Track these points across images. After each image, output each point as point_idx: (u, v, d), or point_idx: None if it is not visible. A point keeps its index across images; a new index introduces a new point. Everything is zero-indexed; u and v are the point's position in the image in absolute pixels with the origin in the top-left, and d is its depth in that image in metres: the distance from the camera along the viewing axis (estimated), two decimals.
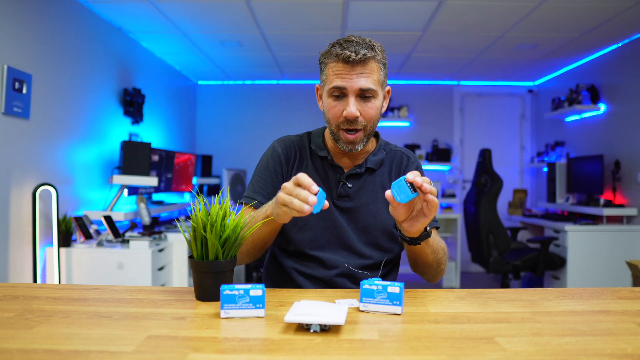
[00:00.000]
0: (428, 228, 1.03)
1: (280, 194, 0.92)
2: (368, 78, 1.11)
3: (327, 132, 1.27)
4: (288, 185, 0.91)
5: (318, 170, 1.24)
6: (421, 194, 0.91)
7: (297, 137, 1.30)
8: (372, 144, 1.27)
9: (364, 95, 1.12)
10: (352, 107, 1.10)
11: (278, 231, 1.12)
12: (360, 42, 1.11)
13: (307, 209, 0.87)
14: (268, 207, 1.06)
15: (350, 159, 1.24)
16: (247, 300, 0.80)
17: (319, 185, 1.20)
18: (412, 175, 0.90)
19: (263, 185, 1.23)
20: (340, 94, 1.12)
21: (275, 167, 1.24)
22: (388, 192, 0.92)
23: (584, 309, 0.87)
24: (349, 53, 1.08)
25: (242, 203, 1.22)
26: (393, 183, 0.92)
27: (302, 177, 0.90)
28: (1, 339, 0.69)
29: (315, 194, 0.88)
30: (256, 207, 1.18)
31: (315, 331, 0.73)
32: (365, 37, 1.14)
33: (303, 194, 0.88)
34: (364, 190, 1.22)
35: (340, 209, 1.21)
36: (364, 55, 1.09)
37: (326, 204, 0.91)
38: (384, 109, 1.19)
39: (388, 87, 1.21)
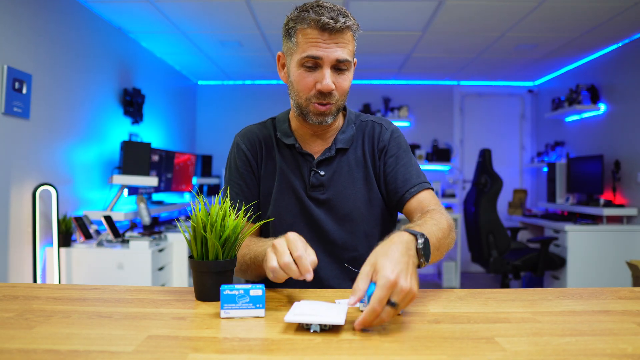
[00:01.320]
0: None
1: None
2: (344, 49, 1.02)
3: (292, 114, 1.17)
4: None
5: (287, 161, 1.15)
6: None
7: (260, 126, 1.21)
8: (339, 121, 1.18)
9: (338, 67, 1.03)
10: (328, 79, 1.01)
11: None
12: (334, 8, 1.01)
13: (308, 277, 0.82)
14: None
15: (319, 140, 1.16)
16: (247, 300, 0.80)
17: (290, 178, 1.14)
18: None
19: (238, 190, 1.16)
20: (314, 64, 1.02)
21: (246, 167, 1.17)
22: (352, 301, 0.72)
23: (584, 309, 0.87)
24: (327, 20, 0.98)
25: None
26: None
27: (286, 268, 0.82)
28: (1, 339, 0.68)
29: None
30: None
31: (315, 331, 0.72)
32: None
33: (295, 274, 0.82)
34: (337, 175, 1.14)
35: (315, 201, 1.13)
36: (343, 23, 0.99)
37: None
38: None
39: (355, 59, 1.11)
